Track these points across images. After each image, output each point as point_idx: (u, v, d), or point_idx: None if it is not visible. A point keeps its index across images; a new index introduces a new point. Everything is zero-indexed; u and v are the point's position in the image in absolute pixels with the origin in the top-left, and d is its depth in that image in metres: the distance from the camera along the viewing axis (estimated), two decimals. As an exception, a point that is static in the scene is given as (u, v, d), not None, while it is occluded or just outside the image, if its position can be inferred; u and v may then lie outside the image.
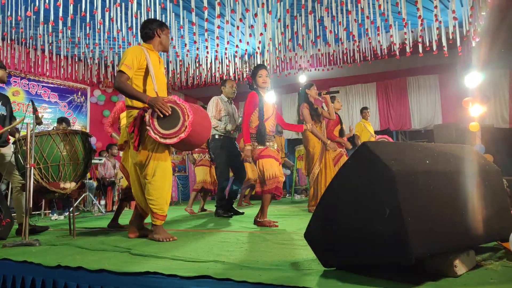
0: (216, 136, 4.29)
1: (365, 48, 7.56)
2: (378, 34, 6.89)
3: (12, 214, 3.21)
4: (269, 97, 3.55)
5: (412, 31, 6.94)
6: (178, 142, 2.42)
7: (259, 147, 3.29)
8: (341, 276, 1.41)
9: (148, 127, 2.45)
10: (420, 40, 6.57)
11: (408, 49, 6.83)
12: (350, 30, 6.54)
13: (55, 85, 8.52)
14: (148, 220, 2.79)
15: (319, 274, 1.49)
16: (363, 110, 6.53)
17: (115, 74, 2.68)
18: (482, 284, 1.28)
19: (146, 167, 2.57)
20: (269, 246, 2.22)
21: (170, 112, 2.43)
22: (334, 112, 5.03)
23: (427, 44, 6.67)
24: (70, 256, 2.06)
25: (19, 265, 1.95)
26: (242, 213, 4.39)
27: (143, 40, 2.82)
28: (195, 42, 6.68)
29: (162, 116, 2.43)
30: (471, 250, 1.49)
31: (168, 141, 2.43)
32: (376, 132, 8.17)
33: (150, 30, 2.78)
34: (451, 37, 6.24)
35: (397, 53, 7.01)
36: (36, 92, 8.15)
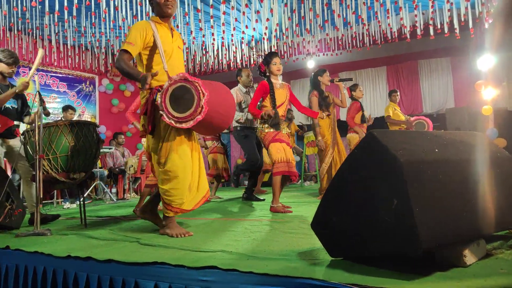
0: (238, 128, 4.34)
1: (374, 32, 7.39)
2: (388, 17, 6.73)
3: (23, 204, 3.28)
4: (283, 84, 3.55)
5: (423, 13, 6.74)
6: (196, 125, 2.17)
7: (271, 130, 3.36)
8: (348, 267, 1.40)
9: (161, 112, 2.20)
10: (431, 22, 6.39)
11: (419, 32, 6.66)
12: (359, 13, 6.39)
13: (64, 75, 8.57)
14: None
15: (325, 264, 1.48)
16: (392, 93, 6.25)
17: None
18: (492, 275, 1.26)
19: (159, 153, 2.33)
20: (276, 235, 2.22)
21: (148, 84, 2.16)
22: (357, 100, 5.03)
23: (439, 26, 6.49)
24: (80, 246, 2.09)
25: (30, 255, 1.99)
26: (263, 200, 4.36)
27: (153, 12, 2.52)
28: (201, 29, 6.61)
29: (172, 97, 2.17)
30: (481, 239, 1.46)
31: (184, 125, 2.17)
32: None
33: None
34: (463, 19, 6.06)
35: (408, 36, 6.84)
36: (45, 82, 8.21)
